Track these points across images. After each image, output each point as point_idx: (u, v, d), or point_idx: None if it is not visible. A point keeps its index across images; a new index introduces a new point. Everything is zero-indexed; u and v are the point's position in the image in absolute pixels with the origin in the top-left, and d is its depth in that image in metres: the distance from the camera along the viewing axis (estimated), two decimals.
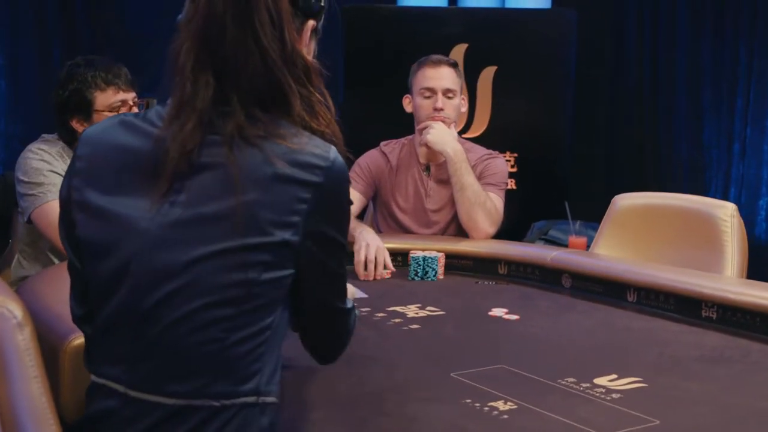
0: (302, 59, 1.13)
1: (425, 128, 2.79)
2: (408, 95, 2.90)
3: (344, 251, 1.19)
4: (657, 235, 2.60)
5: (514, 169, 4.38)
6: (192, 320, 1.07)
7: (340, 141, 1.16)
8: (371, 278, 2.43)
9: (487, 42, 4.38)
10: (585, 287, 2.30)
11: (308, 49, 1.21)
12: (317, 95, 1.15)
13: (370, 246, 2.46)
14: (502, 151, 4.07)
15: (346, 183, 1.16)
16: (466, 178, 2.70)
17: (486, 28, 4.41)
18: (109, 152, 1.12)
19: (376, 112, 3.93)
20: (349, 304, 1.27)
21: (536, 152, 4.43)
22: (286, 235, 1.08)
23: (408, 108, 2.91)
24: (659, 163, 5.02)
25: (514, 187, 4.35)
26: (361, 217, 2.92)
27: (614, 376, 1.56)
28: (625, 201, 2.71)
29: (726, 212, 2.44)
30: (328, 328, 1.25)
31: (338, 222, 1.16)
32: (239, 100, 1.10)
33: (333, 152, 1.13)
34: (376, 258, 2.44)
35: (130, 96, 2.43)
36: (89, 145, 1.14)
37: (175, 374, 1.08)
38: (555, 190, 4.32)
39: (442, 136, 2.75)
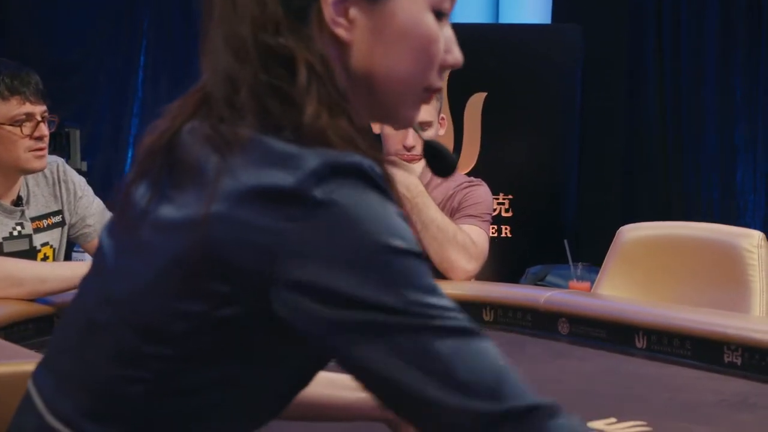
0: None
1: None
2: None
3: None
4: (671, 270, 2.63)
5: (509, 214, 4.40)
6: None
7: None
8: None
9: (475, 63, 4.35)
10: (586, 333, 2.31)
11: (344, 23, 0.95)
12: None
13: None
14: (495, 194, 4.09)
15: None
16: (426, 214, 2.68)
17: (474, 48, 4.38)
18: None
19: None
20: None
21: (534, 195, 4.45)
22: None
23: (376, 129, 2.93)
24: (686, 209, 5.07)
25: (509, 235, 4.37)
26: None
27: (613, 419, 1.57)
28: (632, 232, 2.75)
29: (752, 242, 2.47)
30: None
31: None
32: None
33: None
34: None
35: (39, 110, 2.38)
36: None
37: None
38: (556, 235, 4.31)
39: None
